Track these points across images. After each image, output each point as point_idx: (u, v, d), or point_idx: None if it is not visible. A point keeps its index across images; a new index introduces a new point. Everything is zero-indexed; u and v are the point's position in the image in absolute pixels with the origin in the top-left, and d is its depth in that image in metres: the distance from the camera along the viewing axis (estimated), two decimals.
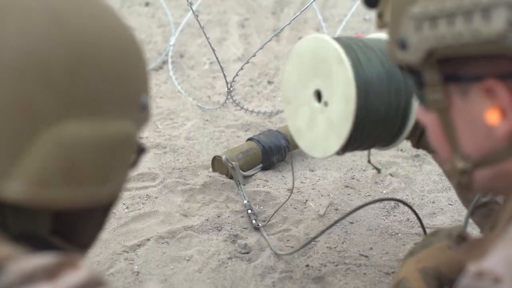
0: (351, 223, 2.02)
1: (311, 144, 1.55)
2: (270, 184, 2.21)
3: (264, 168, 2.30)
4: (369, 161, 1.94)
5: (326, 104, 1.46)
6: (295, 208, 2.08)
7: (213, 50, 2.13)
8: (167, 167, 2.27)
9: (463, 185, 1.04)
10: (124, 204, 2.04)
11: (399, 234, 1.95)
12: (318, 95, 1.50)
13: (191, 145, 2.42)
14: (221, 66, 2.19)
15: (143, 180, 2.19)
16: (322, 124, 1.49)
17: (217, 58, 2.24)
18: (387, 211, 2.07)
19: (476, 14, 0.87)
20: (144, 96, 0.96)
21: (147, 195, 2.09)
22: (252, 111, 2.58)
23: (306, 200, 2.12)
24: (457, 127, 0.98)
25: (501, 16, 0.86)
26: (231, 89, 2.40)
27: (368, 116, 1.41)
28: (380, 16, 1.10)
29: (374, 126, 1.43)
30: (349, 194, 2.17)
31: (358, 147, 1.48)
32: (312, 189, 2.19)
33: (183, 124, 2.55)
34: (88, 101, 0.87)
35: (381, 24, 1.10)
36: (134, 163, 0.99)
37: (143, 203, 2.05)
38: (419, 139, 1.56)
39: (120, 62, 0.92)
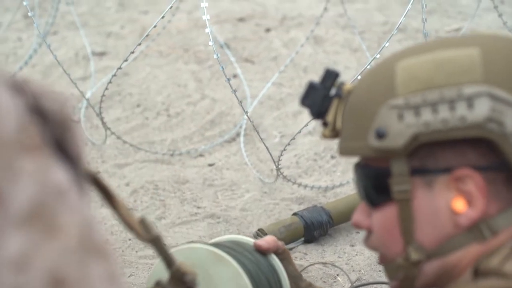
0: None
1: None
2: (308, 257, 2.37)
3: (307, 241, 2.47)
4: None
5: None
6: (324, 281, 2.23)
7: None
8: (216, 236, 2.47)
9: (409, 279, 1.17)
10: None
11: None
12: None
13: (244, 216, 2.62)
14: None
15: None
16: None
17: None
18: None
19: (459, 103, 1.04)
20: None
21: None
22: (306, 186, 2.75)
23: (337, 275, 2.27)
24: (415, 218, 1.10)
25: (485, 104, 1.04)
26: (279, 165, 2.59)
27: None
28: (326, 124, 1.19)
29: None
30: (379, 271, 2.29)
31: None
32: (346, 264, 2.34)
33: (241, 196, 2.75)
34: None
35: (329, 133, 1.19)
36: None
37: None
38: None
39: None
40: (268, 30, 4.39)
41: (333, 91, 1.19)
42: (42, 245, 0.50)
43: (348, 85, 1.19)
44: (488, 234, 1.08)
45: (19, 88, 0.59)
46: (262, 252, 1.44)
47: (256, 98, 3.43)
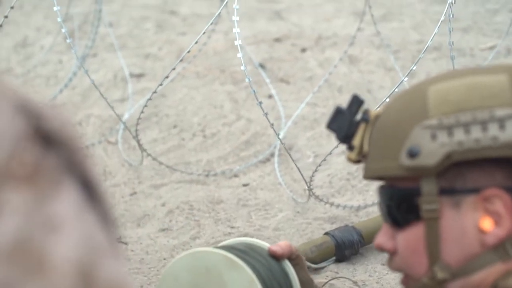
0: None
1: None
2: (339, 275, 2.41)
3: (338, 260, 2.50)
4: None
5: None
6: None
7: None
8: None
9: None
10: None
11: None
12: None
13: (277, 236, 2.66)
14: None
15: None
16: None
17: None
18: None
19: (491, 124, 1.11)
20: None
21: None
22: (338, 205, 2.79)
23: None
24: (442, 237, 1.15)
25: None
26: (311, 185, 2.63)
27: None
28: (352, 148, 1.23)
29: None
30: None
31: None
32: (377, 283, 2.37)
33: (275, 215, 2.80)
34: None
35: (356, 156, 1.23)
36: None
37: None
38: None
39: None
40: (303, 50, 4.43)
41: (359, 116, 1.24)
42: (23, 284, 0.46)
43: (374, 111, 1.24)
44: None
45: (23, 108, 0.54)
46: (277, 257, 1.47)
47: (290, 118, 3.48)
